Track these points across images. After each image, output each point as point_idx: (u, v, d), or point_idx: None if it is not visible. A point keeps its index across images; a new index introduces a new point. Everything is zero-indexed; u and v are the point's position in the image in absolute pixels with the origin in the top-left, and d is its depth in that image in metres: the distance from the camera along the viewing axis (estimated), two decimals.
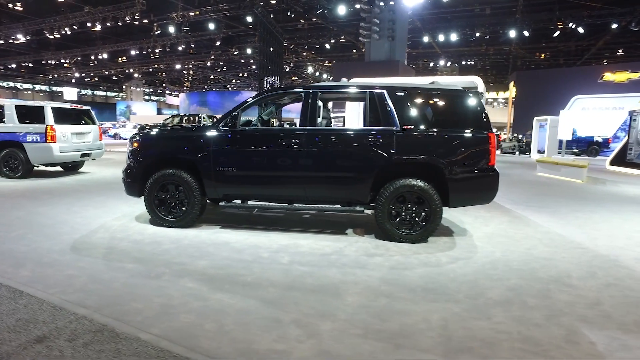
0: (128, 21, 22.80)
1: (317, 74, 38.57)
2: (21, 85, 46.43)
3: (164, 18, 22.54)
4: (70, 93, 43.38)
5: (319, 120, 4.68)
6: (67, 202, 6.12)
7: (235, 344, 2.32)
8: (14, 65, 38.02)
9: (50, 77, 43.64)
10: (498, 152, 22.84)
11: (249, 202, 4.82)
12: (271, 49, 19.34)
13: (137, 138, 4.89)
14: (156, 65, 39.69)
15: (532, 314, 2.76)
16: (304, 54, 35.95)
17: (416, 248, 4.24)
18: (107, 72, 43.13)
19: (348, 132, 4.76)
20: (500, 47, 29.63)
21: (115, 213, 5.44)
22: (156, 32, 23.20)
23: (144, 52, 31.93)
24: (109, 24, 23.36)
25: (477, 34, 21.46)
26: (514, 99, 28.33)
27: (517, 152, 21.49)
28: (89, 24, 23.78)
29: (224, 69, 42.80)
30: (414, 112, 4.44)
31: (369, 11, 21.12)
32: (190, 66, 40.92)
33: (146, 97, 58.04)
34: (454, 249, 4.24)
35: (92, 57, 34.29)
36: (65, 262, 3.55)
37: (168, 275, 3.32)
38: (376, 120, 4.52)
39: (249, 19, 20.14)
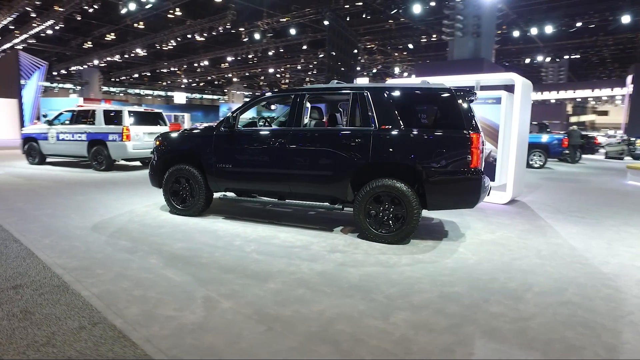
0: (221, 31, 25.40)
1: (406, 74, 37.92)
2: (144, 92, 54.24)
3: (251, 26, 24.52)
4: (179, 97, 49.37)
5: (306, 120, 4.99)
6: (122, 191, 7.37)
7: (143, 307, 2.81)
8: (137, 75, 44.73)
9: (164, 83, 50.29)
10: (600, 157, 20.01)
11: (255, 197, 5.34)
12: (339, 52, 19.79)
13: (159, 137, 5.76)
14: (252, 70, 43.17)
15: (437, 320, 2.75)
16: (396, 54, 35.76)
17: (387, 248, 4.29)
18: (210, 78, 48.04)
19: (326, 132, 4.94)
20: (616, 37, 25.79)
21: (149, 202, 6.41)
22: (244, 39, 25.30)
23: (239, 58, 34.94)
24: (205, 34, 26.30)
25: (579, 23, 19.07)
26: (630, 96, 24.43)
27: (629, 157, 18.59)
28: (189, 35, 26.93)
29: (314, 72, 44.60)
30: (393, 112, 4.48)
31: (452, 7, 20.33)
32: (283, 70, 43.55)
33: (246, 99, 63.20)
34: (427, 253, 4.19)
35: (196, 65, 38.57)
36: (78, 236, 4.46)
37: (143, 252, 3.99)
38: (357, 121, 4.66)
39: (326, 22, 20.89)
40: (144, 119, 10.24)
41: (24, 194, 6.84)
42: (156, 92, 55.07)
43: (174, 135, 5.70)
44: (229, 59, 35.25)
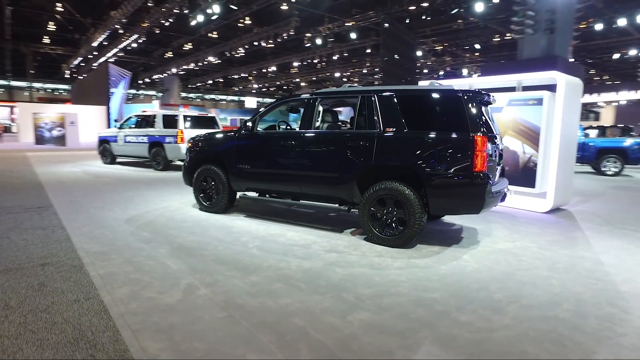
0: (285, 37, 26.45)
1: (474, 74, 36.16)
2: (218, 97, 58.04)
3: (314, 32, 25.20)
4: (250, 102, 52.02)
5: (318, 124, 5.15)
6: (167, 189, 8.12)
7: (132, 288, 3.20)
8: (211, 81, 48.05)
9: (237, 89, 53.33)
10: None
11: (273, 197, 5.64)
12: (395, 55, 19.51)
13: (191, 139, 6.30)
14: (320, 74, 44.13)
15: (395, 323, 2.76)
16: (466, 55, 34.35)
17: (386, 251, 4.30)
18: (279, 83, 49.99)
19: (332, 135, 5.04)
20: None
21: (186, 199, 7.01)
22: (307, 45, 26.06)
23: (304, 63, 35.99)
24: (271, 41, 27.55)
25: None
26: None
27: None
28: (255, 43, 28.40)
29: (381, 74, 44.33)
30: (397, 115, 4.48)
31: (522, 2, 19.07)
32: (349, 73, 43.91)
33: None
34: (426, 258, 4.13)
35: (264, 70, 40.42)
36: (111, 226, 5.09)
37: (157, 243, 4.45)
38: (364, 124, 4.73)
39: (386, 25, 20.75)
40: (198, 122, 11.12)
41: (86, 189, 7.86)
42: (229, 97, 58.60)
43: (203, 137, 6.20)
44: (296, 64, 36.40)
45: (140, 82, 46.37)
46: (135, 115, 11.82)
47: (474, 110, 4.19)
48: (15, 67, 39.86)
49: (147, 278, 3.43)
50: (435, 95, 4.45)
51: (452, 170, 4.15)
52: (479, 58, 35.14)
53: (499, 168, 5.01)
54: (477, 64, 36.70)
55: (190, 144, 6.26)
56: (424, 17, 20.50)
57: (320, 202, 5.20)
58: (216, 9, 18.79)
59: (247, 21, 28.55)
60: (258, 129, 5.56)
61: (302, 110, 5.26)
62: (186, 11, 20.87)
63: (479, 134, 4.06)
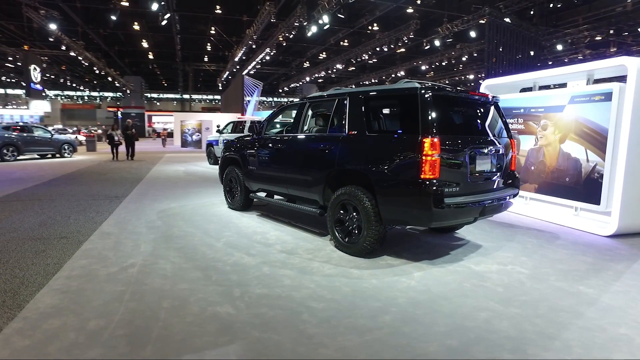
0: (406, 41, 26.17)
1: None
2: None
3: (432, 33, 24.34)
4: None
5: (306, 127, 5.33)
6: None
7: (91, 260, 4.03)
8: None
9: None
10: None
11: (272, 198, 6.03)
12: (501, 48, 17.36)
13: (224, 143, 7.12)
14: (451, 77, 42.00)
15: (232, 319, 2.92)
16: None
17: (348, 260, 4.20)
18: None
19: (308, 138, 5.11)
20: None
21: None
22: (426, 47, 25.29)
23: (433, 66, 34.80)
24: (392, 45, 27.58)
25: None
26: None
27: None
28: (377, 48, 28.80)
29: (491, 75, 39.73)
30: (361, 117, 4.39)
31: None
32: (484, 75, 40.60)
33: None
34: (372, 269, 3.96)
35: (393, 75, 40.44)
36: (143, 214, 6.22)
37: (157, 230, 5.32)
38: (335, 127, 4.74)
39: (507, 19, 18.71)
40: (283, 127, 12.15)
41: (165, 184, 9.52)
42: None
43: (230, 141, 6.96)
44: (424, 67, 35.51)
45: (280, 90, 51.42)
46: (232, 122, 13.54)
47: (432, 110, 3.83)
48: (185, 83, 48.96)
49: (112, 254, 4.25)
50: (396, 95, 4.22)
51: (399, 176, 3.89)
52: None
53: (497, 175, 4.41)
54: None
55: (223, 147, 7.09)
56: (558, 6, 17.81)
57: (299, 205, 5.37)
58: (327, 19, 19.82)
59: (375, 27, 29.27)
60: (266, 133, 6.03)
61: (294, 114, 5.53)
62: (305, 23, 22.60)
63: (428, 136, 3.72)
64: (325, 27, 23.08)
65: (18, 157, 15.54)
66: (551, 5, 20.92)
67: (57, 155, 17.13)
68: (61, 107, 52.09)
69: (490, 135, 4.43)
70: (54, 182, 9.81)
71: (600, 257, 4.55)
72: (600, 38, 26.47)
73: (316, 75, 41.19)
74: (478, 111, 4.51)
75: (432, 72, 42.29)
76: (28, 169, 12.78)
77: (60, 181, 9.94)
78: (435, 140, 3.72)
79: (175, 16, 26.06)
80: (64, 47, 25.31)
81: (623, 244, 5.07)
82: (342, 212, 4.46)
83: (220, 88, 45.98)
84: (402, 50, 31.84)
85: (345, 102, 4.64)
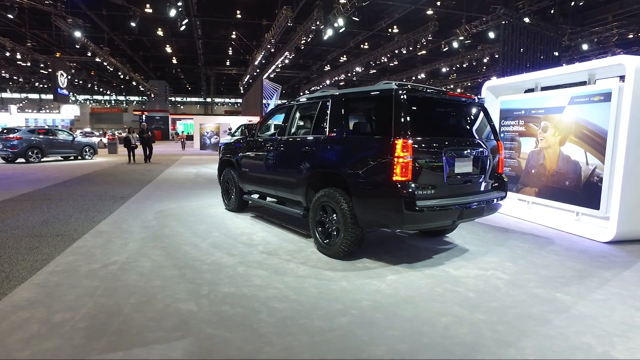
0: (424, 42, 25.91)
1: None
2: None
3: (451, 35, 24.01)
4: None
5: (294, 129, 5.38)
6: None
7: (77, 257, 4.21)
8: None
9: None
10: None
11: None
12: (522, 49, 16.90)
13: (221, 145, 7.26)
14: (474, 80, 41.24)
15: (196, 308, 2.99)
16: None
17: (323, 263, 4.21)
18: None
19: (291, 141, 5.17)
20: None
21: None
22: (444, 49, 24.96)
23: (454, 68, 34.31)
24: (410, 48, 27.36)
25: None
26: None
27: None
28: (396, 51, 28.62)
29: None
30: (340, 119, 4.41)
31: None
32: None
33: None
34: (346, 271, 3.98)
35: (413, 78, 40.10)
36: (142, 214, 6.42)
37: (149, 229, 5.49)
38: (318, 129, 4.78)
39: (527, 20, 18.21)
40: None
41: (172, 186, 9.77)
42: None
43: (227, 143, 7.09)
44: (445, 70, 35.05)
45: (301, 93, 51.78)
46: (243, 125, 13.76)
47: (407, 111, 3.81)
48: (208, 86, 49.98)
49: (99, 252, 4.42)
50: (373, 97, 4.22)
51: (373, 178, 3.89)
52: None
53: (481, 178, 4.34)
54: None
55: (222, 150, 7.24)
56: (580, 4, 17.25)
57: (285, 207, 5.42)
58: (342, 22, 19.87)
59: (395, 30, 29.14)
60: (259, 135, 6.13)
61: (283, 117, 5.60)
62: (322, 27, 22.72)
63: (400, 137, 3.70)
64: (342, 30, 23.11)
65: (42, 159, 16.26)
66: (572, 3, 20.26)
67: (79, 158, 17.82)
68: (90, 111, 54.13)
69: (474, 137, 4.37)
70: (67, 183, 10.23)
71: (591, 263, 4.40)
72: (632, 36, 25.46)
73: (336, 78, 41.25)
74: (461, 113, 4.45)
75: (454, 75, 41.72)
76: (48, 170, 13.36)
77: (73, 182, 10.36)
78: (408, 141, 3.70)
79: (197, 21, 26.74)
80: (89, 54, 26.33)
81: (620, 251, 4.87)
82: (322, 213, 4.49)
83: (242, 91, 46.71)
84: (423, 52, 31.59)
85: (327, 104, 4.68)
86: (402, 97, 3.84)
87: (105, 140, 29.30)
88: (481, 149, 4.30)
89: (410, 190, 3.69)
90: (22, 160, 15.87)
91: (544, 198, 6.25)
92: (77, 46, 24.06)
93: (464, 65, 32.62)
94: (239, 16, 27.48)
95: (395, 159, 3.69)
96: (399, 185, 3.69)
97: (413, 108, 3.87)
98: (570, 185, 5.75)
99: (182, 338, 2.65)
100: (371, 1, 19.68)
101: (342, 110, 4.45)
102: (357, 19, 19.64)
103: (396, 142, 3.70)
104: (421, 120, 3.98)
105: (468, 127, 4.41)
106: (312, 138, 4.78)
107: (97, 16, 24.39)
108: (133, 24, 17.65)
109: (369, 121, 4.32)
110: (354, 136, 4.27)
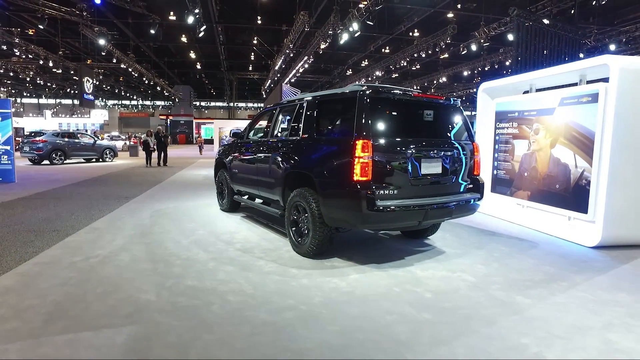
0: (444, 47, 25.67)
1: None
2: None
3: (470, 37, 23.71)
4: None
5: (276, 132, 5.54)
6: None
7: (66, 250, 4.49)
8: None
9: None
10: None
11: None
12: (545, 52, 16.50)
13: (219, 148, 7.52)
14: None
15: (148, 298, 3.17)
16: None
17: (293, 261, 4.33)
18: (455, 93, 48.03)
19: (271, 142, 5.35)
20: None
21: None
22: (462, 52, 24.66)
23: (475, 72, 33.78)
24: (430, 51, 27.15)
25: None
26: None
27: None
28: (415, 55, 28.48)
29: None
30: (312, 121, 4.55)
31: None
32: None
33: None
34: (311, 269, 4.08)
35: (435, 82, 39.70)
36: (138, 212, 6.72)
37: (141, 226, 5.77)
38: (294, 131, 4.94)
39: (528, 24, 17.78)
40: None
41: (179, 187, 10.11)
42: None
43: (222, 146, 7.34)
44: (466, 73, 34.57)
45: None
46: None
47: (370, 112, 3.89)
48: (231, 91, 51.04)
49: (86, 246, 4.70)
50: (341, 99, 4.33)
51: (336, 178, 4.01)
52: None
53: (452, 179, 4.37)
54: None
55: (219, 151, 7.49)
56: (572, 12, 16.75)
57: (267, 207, 5.58)
58: (356, 26, 19.99)
59: (416, 33, 29.04)
60: (248, 137, 6.33)
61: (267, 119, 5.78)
62: (339, 31, 22.90)
63: (361, 138, 3.79)
64: (361, 35, 23.26)
65: (65, 161, 17.10)
66: (603, 2, 19.63)
67: (100, 160, 18.62)
68: (119, 116, 56.19)
69: (445, 138, 4.40)
70: (81, 183, 10.77)
71: (567, 268, 4.33)
72: None
73: (357, 82, 41.24)
74: (432, 114, 4.48)
75: (478, 78, 40.95)
76: (68, 171, 14.06)
77: (86, 183, 10.88)
78: (369, 142, 3.79)
79: (219, 28, 27.45)
80: (114, 60, 27.46)
81: (604, 256, 4.76)
82: (296, 213, 4.62)
83: (264, 96, 47.46)
84: (445, 56, 31.27)
85: (303, 106, 4.82)
86: (365, 98, 3.93)
87: (129, 143, 30.41)
88: (452, 150, 4.33)
89: (370, 190, 3.77)
90: (47, 162, 16.74)
91: (536, 202, 6.15)
92: (103, 53, 25.14)
93: (487, 69, 32.09)
94: (259, 22, 28.05)
95: (356, 159, 3.79)
96: (359, 186, 3.77)
97: (377, 109, 3.96)
98: (561, 188, 5.65)
99: (130, 324, 2.83)
100: (391, 5, 19.71)
101: (315, 112, 4.59)
102: (372, 23, 19.66)
103: (356, 142, 3.80)
104: (387, 121, 4.05)
105: (438, 128, 4.44)
106: (288, 140, 4.94)
107: (123, 24, 25.49)
108: (152, 31, 18.27)
109: (337, 122, 4.44)
110: (322, 137, 4.40)
